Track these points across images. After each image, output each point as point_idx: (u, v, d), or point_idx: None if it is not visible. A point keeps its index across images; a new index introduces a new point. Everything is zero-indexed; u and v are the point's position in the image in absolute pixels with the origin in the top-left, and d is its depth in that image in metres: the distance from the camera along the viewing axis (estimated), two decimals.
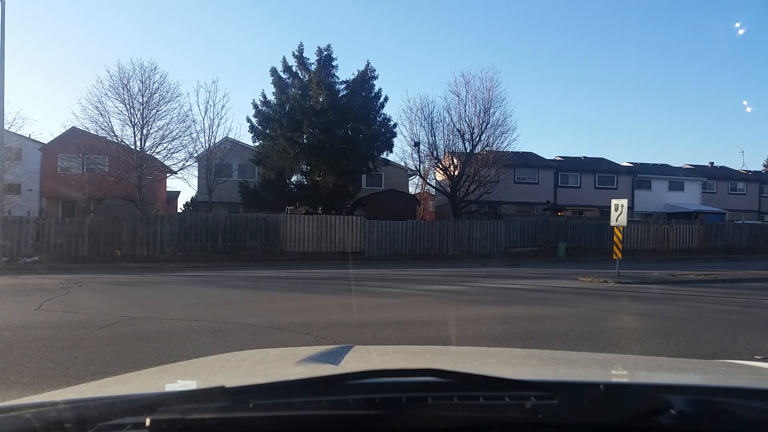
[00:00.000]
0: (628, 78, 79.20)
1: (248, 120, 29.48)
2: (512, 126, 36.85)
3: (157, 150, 26.44)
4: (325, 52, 28.98)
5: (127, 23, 70.12)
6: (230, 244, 22.96)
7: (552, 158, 38.73)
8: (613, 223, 15.32)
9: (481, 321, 7.92)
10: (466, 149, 30.88)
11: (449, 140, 31.59)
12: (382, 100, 29.57)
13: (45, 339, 6.28)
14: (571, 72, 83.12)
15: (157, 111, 25.81)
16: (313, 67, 29.03)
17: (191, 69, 75.27)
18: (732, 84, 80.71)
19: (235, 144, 30.37)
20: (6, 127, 20.27)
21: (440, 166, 32.14)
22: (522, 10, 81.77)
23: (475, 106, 31.03)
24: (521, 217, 29.01)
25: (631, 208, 26.06)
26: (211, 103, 39.18)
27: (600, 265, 18.13)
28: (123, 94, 25.14)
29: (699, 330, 7.37)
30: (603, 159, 39.40)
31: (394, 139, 30.11)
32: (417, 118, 31.92)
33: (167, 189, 38.10)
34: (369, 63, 34.94)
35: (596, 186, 37.00)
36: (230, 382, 1.06)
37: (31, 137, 30.77)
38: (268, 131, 28.95)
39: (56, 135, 29.84)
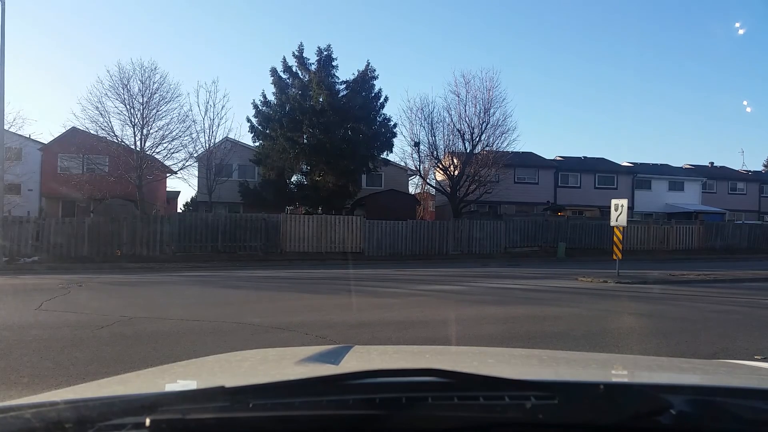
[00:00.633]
0: (628, 78, 79.30)
1: (248, 120, 29.54)
2: (512, 126, 36.92)
3: (157, 150, 26.48)
4: (325, 53, 28.99)
5: (127, 23, 70.18)
6: (230, 244, 22.96)
7: (552, 158, 38.74)
8: (613, 223, 15.32)
9: (481, 321, 7.92)
10: (466, 149, 30.89)
11: (449, 140, 31.62)
12: (382, 100, 29.62)
13: (45, 339, 6.28)
14: (571, 72, 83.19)
15: (157, 111, 25.84)
16: (313, 68, 29.04)
17: (191, 69, 75.36)
18: (732, 84, 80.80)
19: (235, 144, 30.38)
20: (6, 127, 20.26)
21: (440, 166, 32.15)
22: (522, 11, 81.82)
23: (475, 106, 31.07)
24: (521, 217, 29.01)
25: (631, 208, 26.07)
26: (211, 103, 39.18)
27: (600, 265, 18.13)
28: (123, 94, 25.17)
29: (699, 330, 7.37)
30: (603, 159, 39.41)
31: (394, 139, 30.18)
32: (417, 118, 31.96)
33: (167, 189, 38.09)
34: (369, 63, 35.02)
35: (596, 186, 37.00)
36: (230, 382, 1.06)
37: (31, 137, 30.78)
38: (268, 131, 28.95)
39: (56, 135, 29.89)
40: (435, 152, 31.78)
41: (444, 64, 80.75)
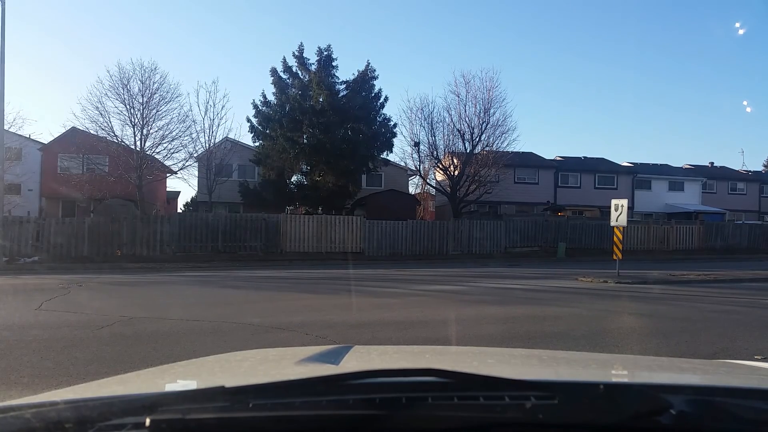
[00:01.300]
0: (628, 78, 79.27)
1: (248, 120, 29.55)
2: (512, 126, 36.90)
3: (157, 150, 26.50)
4: (325, 53, 29.00)
5: (128, 23, 70.19)
6: (230, 244, 22.96)
7: (552, 158, 38.73)
8: (613, 223, 15.32)
9: (481, 321, 7.92)
10: (466, 149, 30.89)
11: (449, 140, 31.64)
12: (382, 100, 29.62)
13: (45, 339, 6.28)
14: (572, 72, 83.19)
15: (157, 111, 25.86)
16: (313, 68, 29.05)
17: (191, 69, 75.38)
18: (732, 84, 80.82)
19: (235, 144, 30.38)
20: (6, 127, 20.27)
21: (440, 166, 32.15)
22: (522, 10, 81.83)
23: (475, 106, 31.08)
24: (521, 217, 29.01)
25: (631, 208, 26.06)
26: (211, 103, 39.18)
27: (600, 265, 18.13)
28: (123, 94, 25.19)
29: (699, 330, 7.37)
30: (603, 159, 39.40)
31: (394, 139, 30.18)
32: (417, 118, 31.97)
33: (167, 189, 38.10)
34: (369, 63, 35.02)
35: (596, 186, 37.00)
36: (230, 382, 1.06)
37: (31, 137, 30.80)
38: (268, 131, 28.96)
39: (56, 135, 29.90)
40: (435, 152, 31.82)
41: (444, 64, 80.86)
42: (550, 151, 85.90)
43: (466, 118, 31.10)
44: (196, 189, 30.94)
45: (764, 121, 71.57)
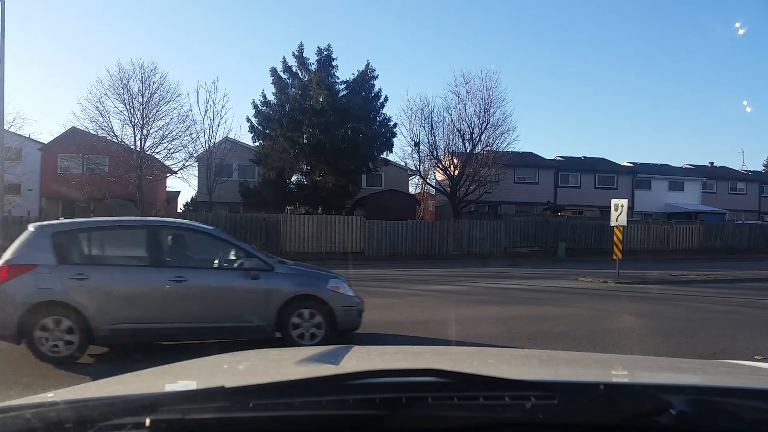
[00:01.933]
0: (628, 78, 79.10)
1: (248, 120, 29.52)
2: (512, 126, 36.74)
3: (157, 150, 26.48)
4: (325, 52, 29.00)
5: (127, 23, 70.13)
6: None
7: (552, 158, 38.72)
8: (613, 223, 15.32)
9: (481, 321, 7.92)
10: (466, 149, 30.89)
11: (449, 140, 31.62)
12: (382, 100, 29.61)
13: None
14: (572, 72, 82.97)
15: (157, 111, 25.83)
16: (313, 67, 29.04)
17: (191, 69, 75.23)
18: (732, 84, 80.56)
19: (235, 144, 30.37)
20: (6, 127, 20.26)
21: (440, 166, 32.16)
22: (522, 10, 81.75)
23: (475, 106, 31.07)
24: (521, 217, 29.01)
25: (631, 208, 26.04)
26: (211, 103, 38.83)
27: (600, 266, 18.12)
28: (123, 94, 25.17)
29: (699, 330, 7.37)
30: (603, 159, 39.38)
31: (394, 139, 30.18)
32: (417, 118, 31.93)
33: (167, 189, 38.07)
34: (369, 63, 34.88)
35: (596, 186, 36.98)
36: (230, 382, 1.06)
37: (31, 137, 30.78)
38: (268, 131, 28.96)
39: (56, 135, 29.82)
40: (435, 152, 31.81)
41: (444, 64, 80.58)
42: (550, 151, 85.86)
43: (466, 118, 31.13)
44: (196, 189, 30.95)
45: (764, 121, 71.50)
